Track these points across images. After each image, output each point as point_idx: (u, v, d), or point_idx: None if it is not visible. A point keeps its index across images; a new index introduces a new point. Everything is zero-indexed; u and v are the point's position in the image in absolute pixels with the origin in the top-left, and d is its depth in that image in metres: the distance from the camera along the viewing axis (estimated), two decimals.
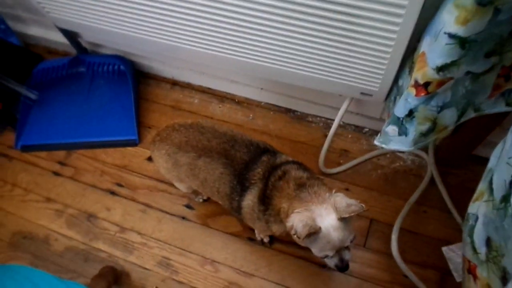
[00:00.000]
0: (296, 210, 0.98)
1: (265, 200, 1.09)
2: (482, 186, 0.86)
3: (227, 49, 1.30)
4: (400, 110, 1.04)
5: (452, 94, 0.97)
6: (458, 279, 1.30)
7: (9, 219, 1.62)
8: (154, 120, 1.78)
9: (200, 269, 1.44)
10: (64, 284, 0.96)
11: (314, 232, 0.93)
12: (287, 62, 1.24)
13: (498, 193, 0.73)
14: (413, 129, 1.05)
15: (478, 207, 0.84)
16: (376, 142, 1.21)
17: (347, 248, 1.01)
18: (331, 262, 1.03)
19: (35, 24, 1.90)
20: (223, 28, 1.21)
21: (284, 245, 1.44)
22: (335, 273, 1.37)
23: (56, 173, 1.70)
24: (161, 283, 1.43)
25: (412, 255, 1.38)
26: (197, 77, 1.80)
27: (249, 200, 1.12)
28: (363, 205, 0.95)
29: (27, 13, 1.82)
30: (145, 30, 1.38)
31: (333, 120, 1.47)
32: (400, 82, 1.12)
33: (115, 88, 1.82)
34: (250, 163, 1.12)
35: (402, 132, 1.09)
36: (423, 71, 0.91)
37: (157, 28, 1.34)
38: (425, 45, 0.92)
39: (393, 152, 1.57)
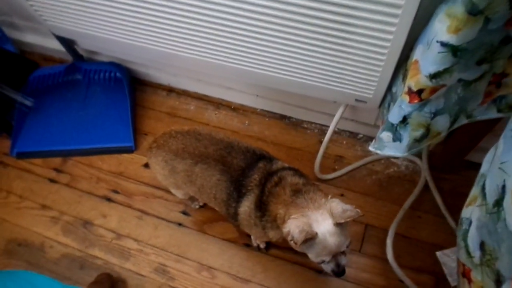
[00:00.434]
0: (292, 216, 0.98)
1: (261, 206, 1.09)
2: (475, 191, 0.87)
3: (222, 56, 1.31)
4: (394, 116, 1.05)
5: (445, 101, 0.98)
6: (452, 284, 1.31)
7: (4, 226, 1.61)
8: (150, 127, 1.79)
9: (197, 276, 1.44)
10: None
11: (310, 238, 0.94)
12: (282, 70, 1.26)
13: (491, 197, 0.74)
14: (407, 135, 1.07)
15: (472, 212, 0.85)
16: (370, 148, 1.22)
17: (343, 253, 1.02)
18: (328, 267, 1.03)
19: (31, 31, 1.90)
20: (218, 36, 1.23)
21: (281, 251, 1.44)
22: (331, 278, 1.38)
23: (52, 180, 1.70)
24: None
25: (407, 260, 1.39)
26: (193, 84, 1.81)
27: (246, 206, 1.13)
28: (359, 211, 0.96)
29: (23, 20, 1.82)
30: (141, 38, 1.38)
31: (328, 126, 1.48)
32: (394, 89, 1.13)
33: (111, 95, 1.83)
34: (247, 170, 1.13)
35: (396, 138, 1.10)
36: (416, 78, 0.92)
37: (153, 36, 1.35)
38: (418, 53, 0.93)
39: (388, 158, 1.58)
